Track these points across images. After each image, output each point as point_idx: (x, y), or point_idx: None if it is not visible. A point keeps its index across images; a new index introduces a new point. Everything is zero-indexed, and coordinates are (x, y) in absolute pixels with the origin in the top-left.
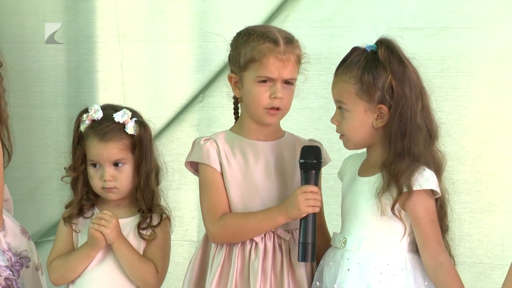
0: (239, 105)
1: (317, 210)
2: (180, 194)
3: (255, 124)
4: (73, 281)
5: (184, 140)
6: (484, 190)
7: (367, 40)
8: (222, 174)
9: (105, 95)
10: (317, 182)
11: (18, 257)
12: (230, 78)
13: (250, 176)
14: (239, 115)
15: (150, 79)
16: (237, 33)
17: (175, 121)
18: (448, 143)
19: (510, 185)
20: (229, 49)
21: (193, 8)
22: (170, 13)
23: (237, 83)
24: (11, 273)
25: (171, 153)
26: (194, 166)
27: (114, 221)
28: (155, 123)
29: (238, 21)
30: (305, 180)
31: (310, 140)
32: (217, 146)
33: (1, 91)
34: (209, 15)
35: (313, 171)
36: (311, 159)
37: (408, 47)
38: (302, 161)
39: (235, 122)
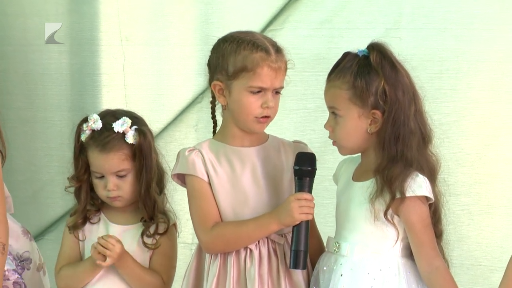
0: (216, 111)
1: (310, 217)
2: (176, 196)
3: (240, 131)
4: None
5: (182, 141)
6: (484, 192)
7: (367, 41)
8: (209, 183)
9: (108, 98)
10: (311, 190)
11: (19, 261)
12: (214, 86)
13: (237, 183)
14: (222, 122)
15: (152, 82)
16: (222, 40)
17: (173, 122)
18: (446, 145)
19: (510, 187)
20: (209, 54)
21: (195, 12)
22: (172, 16)
23: (222, 91)
24: (19, 276)
25: (169, 153)
26: (181, 178)
27: (118, 250)
28: (156, 126)
29: (239, 24)
30: (299, 187)
31: (295, 141)
32: (202, 156)
33: None
34: (211, 18)
35: (308, 178)
36: (306, 166)
37: (407, 48)
38: (297, 167)
39: (213, 128)
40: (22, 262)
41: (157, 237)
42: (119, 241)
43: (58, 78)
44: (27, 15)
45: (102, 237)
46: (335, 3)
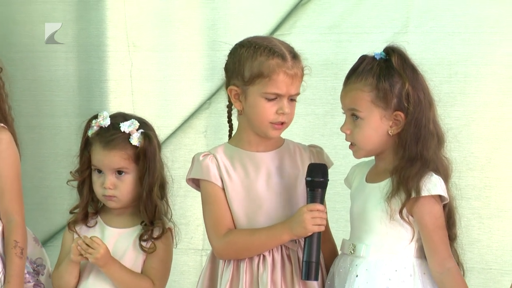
0: (232, 115)
1: (322, 229)
2: (187, 201)
3: (255, 136)
4: None
5: (191, 147)
6: (493, 196)
7: (375, 46)
8: (223, 189)
9: (115, 104)
10: (323, 201)
11: (35, 265)
12: (230, 91)
13: (252, 189)
14: (238, 126)
15: (159, 87)
16: (239, 45)
17: (182, 128)
18: (456, 149)
19: None
20: (226, 59)
21: (202, 17)
22: (179, 22)
23: (238, 96)
24: (38, 280)
25: (178, 160)
26: (196, 182)
27: (102, 251)
28: (164, 132)
29: (246, 30)
30: (311, 198)
31: (310, 145)
32: (217, 161)
33: (4, 96)
34: (217, 24)
35: (320, 189)
36: (318, 177)
37: (415, 52)
38: (309, 179)
39: (229, 132)
40: (38, 267)
41: (151, 241)
42: (104, 244)
43: (65, 85)
44: (34, 22)
45: (87, 237)
46: (343, 8)
